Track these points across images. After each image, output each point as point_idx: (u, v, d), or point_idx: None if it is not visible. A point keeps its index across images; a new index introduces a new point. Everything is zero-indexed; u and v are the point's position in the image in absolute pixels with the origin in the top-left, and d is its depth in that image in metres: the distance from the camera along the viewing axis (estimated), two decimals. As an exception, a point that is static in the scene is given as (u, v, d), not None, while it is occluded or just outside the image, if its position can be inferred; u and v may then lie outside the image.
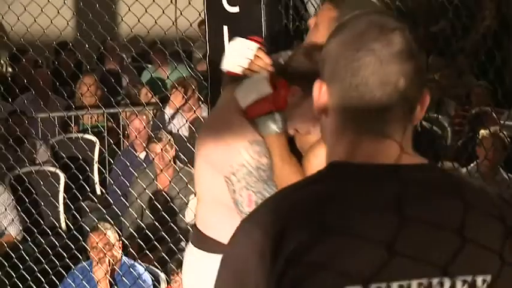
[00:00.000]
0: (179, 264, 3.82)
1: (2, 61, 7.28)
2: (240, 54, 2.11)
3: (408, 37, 1.15)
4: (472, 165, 4.71)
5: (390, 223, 1.11)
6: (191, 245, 2.30)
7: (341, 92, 1.16)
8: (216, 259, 2.34)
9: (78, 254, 3.93)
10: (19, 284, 3.64)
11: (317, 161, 2.07)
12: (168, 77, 5.27)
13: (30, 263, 3.74)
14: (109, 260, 3.78)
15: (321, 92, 1.18)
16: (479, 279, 1.13)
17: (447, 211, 1.14)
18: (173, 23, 3.40)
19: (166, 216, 3.81)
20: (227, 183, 2.12)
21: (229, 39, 2.78)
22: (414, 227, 1.12)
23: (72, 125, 5.90)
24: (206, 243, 2.20)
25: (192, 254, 2.28)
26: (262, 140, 2.08)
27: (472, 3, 6.51)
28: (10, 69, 7.15)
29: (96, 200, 5.04)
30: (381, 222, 1.12)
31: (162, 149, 4.54)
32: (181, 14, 3.33)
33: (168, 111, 5.63)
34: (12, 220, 4.62)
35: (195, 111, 4.82)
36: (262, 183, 2.09)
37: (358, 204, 1.13)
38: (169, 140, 4.65)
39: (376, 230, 1.11)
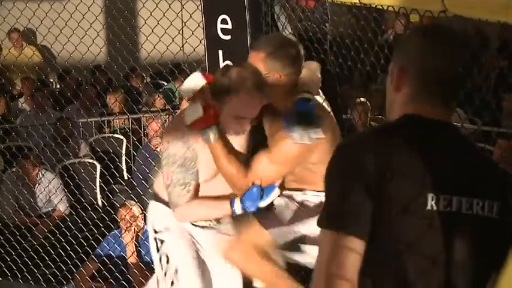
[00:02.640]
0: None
1: (51, 80, 7.21)
2: (193, 84, 2.21)
3: (466, 40, 1.33)
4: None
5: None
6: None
7: (417, 74, 1.26)
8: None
9: (111, 224, 3.90)
10: (67, 247, 3.61)
11: (261, 163, 2.14)
12: (177, 88, 5.23)
13: (75, 231, 3.71)
14: (134, 229, 3.76)
15: (399, 75, 1.28)
16: (495, 204, 1.24)
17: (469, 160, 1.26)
18: (181, 49, 3.38)
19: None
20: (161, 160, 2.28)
21: (223, 60, 2.77)
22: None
23: (105, 127, 5.86)
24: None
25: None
26: (186, 139, 2.18)
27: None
28: (58, 86, 7.08)
29: (124, 184, 5.02)
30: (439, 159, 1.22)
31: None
32: (186, 41, 3.31)
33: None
34: (61, 199, 4.58)
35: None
36: (177, 167, 2.19)
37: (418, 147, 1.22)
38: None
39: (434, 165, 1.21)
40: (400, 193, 1.18)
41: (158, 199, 2.36)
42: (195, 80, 2.21)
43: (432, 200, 1.19)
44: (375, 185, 1.17)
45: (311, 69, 2.24)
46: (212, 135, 2.14)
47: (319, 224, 1.20)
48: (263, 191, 2.18)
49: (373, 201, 1.17)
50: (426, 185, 1.20)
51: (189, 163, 2.19)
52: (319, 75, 2.25)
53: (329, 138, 2.11)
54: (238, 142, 2.25)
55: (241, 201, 2.20)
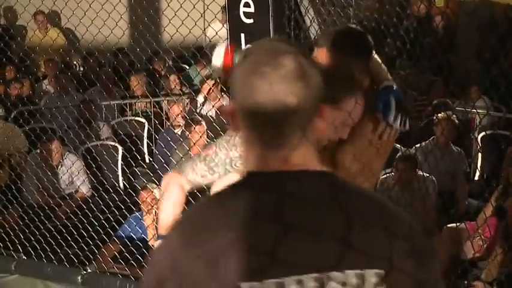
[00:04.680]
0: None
1: (75, 62, 7.26)
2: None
3: (300, 59, 1.00)
4: (429, 140, 4.67)
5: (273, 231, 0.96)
6: None
7: (243, 110, 1.02)
8: None
9: (132, 207, 3.93)
10: (89, 228, 3.65)
11: (346, 154, 1.88)
12: (199, 72, 5.23)
13: (97, 213, 3.75)
14: (155, 211, 3.78)
15: (233, 110, 1.04)
16: (370, 272, 0.96)
17: (331, 221, 0.98)
18: (203, 32, 3.36)
19: (198, 178, 3.78)
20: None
21: (245, 44, 2.75)
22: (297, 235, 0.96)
23: (127, 110, 5.90)
24: None
25: None
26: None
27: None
28: (81, 68, 7.13)
29: (145, 166, 5.05)
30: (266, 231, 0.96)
31: (194, 128, 4.52)
32: (209, 25, 3.29)
33: (200, 99, 5.61)
34: (84, 181, 4.63)
35: (219, 99, 4.79)
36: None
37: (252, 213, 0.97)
38: (201, 121, 4.63)
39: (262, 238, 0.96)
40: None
41: None
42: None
43: None
44: None
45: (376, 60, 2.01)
46: None
47: None
48: None
49: None
50: (242, 273, 0.93)
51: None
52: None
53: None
54: None
55: None
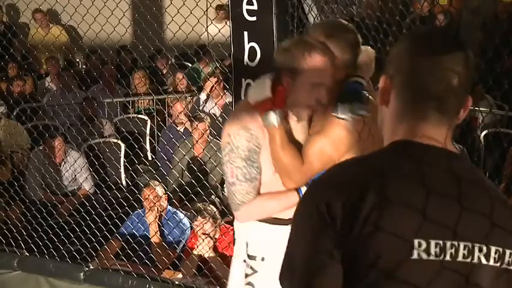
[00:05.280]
0: (210, 212, 3.82)
1: (78, 59, 7.26)
2: (260, 93, 2.04)
3: (465, 47, 1.11)
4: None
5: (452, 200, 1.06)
6: None
7: (403, 86, 1.11)
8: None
9: (135, 204, 3.94)
10: (92, 225, 3.66)
11: (312, 149, 2.02)
12: (201, 70, 5.22)
13: (100, 210, 3.76)
14: (157, 209, 3.79)
15: (386, 85, 1.13)
16: (507, 252, 1.08)
17: (477, 198, 1.08)
18: (206, 30, 3.36)
19: (201, 175, 3.80)
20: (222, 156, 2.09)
21: (248, 42, 2.75)
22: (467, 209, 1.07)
23: (130, 107, 5.90)
24: None
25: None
26: (249, 128, 2.01)
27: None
28: (84, 66, 7.14)
29: (148, 164, 5.06)
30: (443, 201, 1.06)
31: (197, 125, 4.52)
32: (212, 22, 3.28)
33: (202, 96, 5.61)
34: (86, 178, 4.64)
35: (222, 97, 4.79)
36: (241, 161, 2.02)
37: (412, 178, 1.06)
38: (203, 118, 4.63)
39: (437, 208, 1.05)
40: (377, 244, 1.02)
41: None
42: (262, 88, 2.03)
43: (419, 247, 1.04)
44: (344, 239, 1.02)
45: (368, 55, 2.13)
46: (276, 119, 1.98)
47: (281, 279, 1.07)
48: None
49: (343, 257, 1.03)
50: (411, 230, 1.03)
51: (253, 156, 2.02)
52: (373, 64, 2.14)
53: (374, 131, 1.97)
54: (299, 131, 2.10)
55: (307, 185, 2.02)
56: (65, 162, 4.64)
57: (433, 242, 1.04)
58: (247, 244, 2.15)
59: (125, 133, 4.69)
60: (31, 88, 6.12)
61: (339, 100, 1.99)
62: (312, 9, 2.79)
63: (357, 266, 1.03)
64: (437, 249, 1.04)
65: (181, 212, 3.91)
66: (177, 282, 3.25)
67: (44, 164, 4.42)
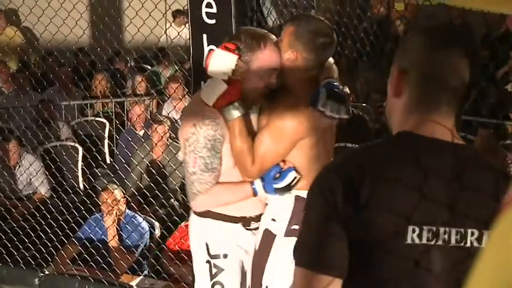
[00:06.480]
0: (169, 215, 3.80)
1: (33, 61, 7.11)
2: (223, 65, 2.04)
3: (475, 42, 1.15)
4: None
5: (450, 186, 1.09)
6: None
7: (418, 78, 1.13)
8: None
9: (92, 208, 3.88)
10: (47, 230, 3.59)
11: (260, 139, 2.06)
12: (160, 73, 5.19)
13: (56, 214, 3.69)
14: (116, 212, 3.74)
15: (398, 77, 1.14)
16: None
17: (485, 182, 1.12)
18: (165, 32, 3.34)
19: (160, 179, 3.77)
20: (183, 147, 2.09)
21: (208, 44, 2.75)
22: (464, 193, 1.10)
23: (88, 110, 5.82)
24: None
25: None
26: (214, 117, 2.03)
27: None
28: (40, 68, 7.00)
29: (106, 167, 4.99)
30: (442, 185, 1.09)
31: (156, 128, 4.49)
32: (171, 25, 3.27)
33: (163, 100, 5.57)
34: (42, 182, 4.55)
35: (181, 100, 4.76)
36: (206, 151, 2.05)
37: (412, 163, 1.09)
38: (162, 121, 4.60)
39: (436, 190, 1.09)
40: (375, 226, 1.07)
41: (216, 216, 2.14)
42: (223, 59, 2.04)
43: (413, 232, 1.07)
44: (349, 219, 1.07)
45: (329, 61, 2.16)
46: (237, 111, 2.01)
47: (294, 257, 1.12)
48: (280, 173, 2.07)
49: (348, 237, 1.08)
50: (406, 215, 1.07)
51: (217, 146, 2.05)
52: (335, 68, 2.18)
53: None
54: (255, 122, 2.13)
55: (262, 179, 2.09)
56: (19, 166, 4.54)
57: (425, 228, 1.07)
58: (207, 244, 2.16)
59: (83, 136, 4.61)
60: (-16, 90, 5.97)
61: (324, 97, 2.00)
62: (270, 13, 2.81)
63: (359, 246, 1.08)
64: (430, 235, 1.08)
65: (139, 215, 3.88)
66: (135, 287, 3.21)
67: (-3, 168, 4.32)
